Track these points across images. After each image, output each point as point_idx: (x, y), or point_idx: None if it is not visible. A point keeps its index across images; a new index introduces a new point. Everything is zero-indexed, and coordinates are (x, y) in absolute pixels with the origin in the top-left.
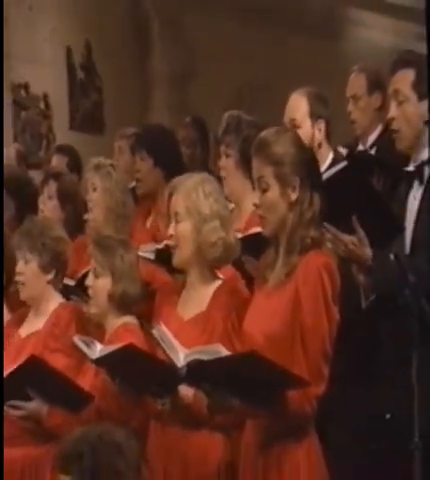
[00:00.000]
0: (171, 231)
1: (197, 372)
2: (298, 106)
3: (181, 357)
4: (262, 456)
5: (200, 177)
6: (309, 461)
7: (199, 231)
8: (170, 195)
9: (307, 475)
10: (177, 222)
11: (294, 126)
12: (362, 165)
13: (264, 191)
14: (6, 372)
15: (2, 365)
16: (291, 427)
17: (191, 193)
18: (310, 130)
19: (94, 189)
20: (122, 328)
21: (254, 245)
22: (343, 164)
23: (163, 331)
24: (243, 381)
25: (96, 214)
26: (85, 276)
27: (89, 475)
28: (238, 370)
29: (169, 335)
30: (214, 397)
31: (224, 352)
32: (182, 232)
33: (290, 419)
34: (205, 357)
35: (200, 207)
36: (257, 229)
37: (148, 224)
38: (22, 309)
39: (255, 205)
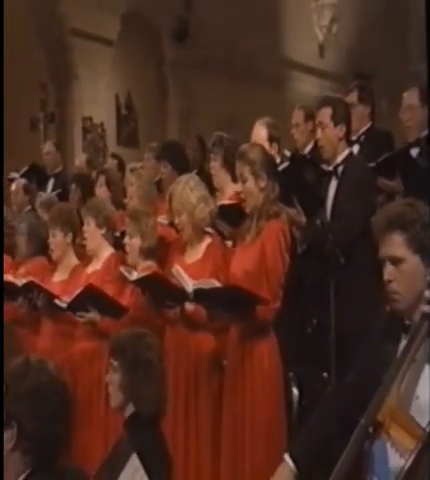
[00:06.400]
0: (176, 222)
1: (200, 295)
2: (260, 133)
3: (190, 286)
4: (240, 347)
5: (185, 179)
6: (269, 351)
7: (193, 215)
8: (170, 199)
9: (268, 360)
10: (179, 215)
11: None
12: (299, 164)
13: (244, 183)
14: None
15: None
16: (258, 329)
17: (182, 194)
18: (268, 149)
19: (131, 184)
20: (147, 269)
21: (228, 212)
22: (286, 164)
23: (178, 270)
24: (228, 301)
25: (134, 201)
26: (123, 233)
27: (130, 363)
28: (225, 295)
29: (182, 272)
30: (211, 310)
31: (217, 284)
32: (183, 221)
33: (258, 324)
34: (205, 286)
35: (190, 200)
36: (230, 201)
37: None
38: (88, 257)
39: (238, 192)
